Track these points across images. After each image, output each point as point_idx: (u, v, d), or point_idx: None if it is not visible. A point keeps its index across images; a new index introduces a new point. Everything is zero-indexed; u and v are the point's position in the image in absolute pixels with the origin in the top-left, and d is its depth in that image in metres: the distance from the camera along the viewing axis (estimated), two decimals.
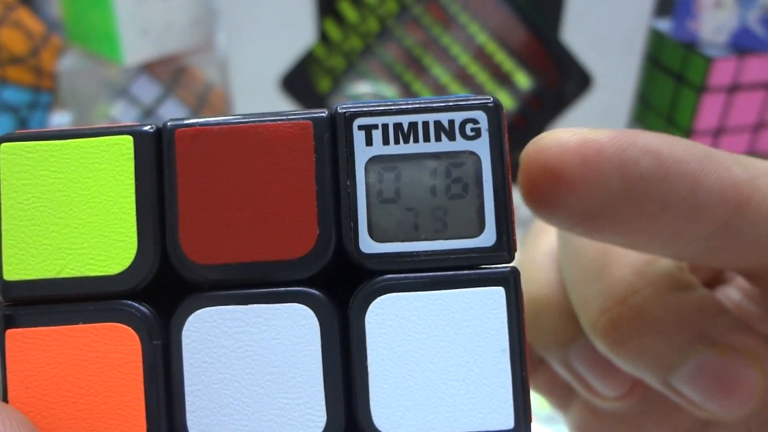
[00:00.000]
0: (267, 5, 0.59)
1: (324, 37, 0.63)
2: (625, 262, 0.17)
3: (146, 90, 0.69)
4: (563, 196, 0.14)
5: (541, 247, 0.21)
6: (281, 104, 0.63)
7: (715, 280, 0.20)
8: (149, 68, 0.68)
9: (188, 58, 0.70)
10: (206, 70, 0.72)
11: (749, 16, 0.63)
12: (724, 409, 0.16)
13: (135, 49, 0.64)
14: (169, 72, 0.70)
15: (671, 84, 0.67)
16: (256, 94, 0.63)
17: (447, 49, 0.66)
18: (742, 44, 0.63)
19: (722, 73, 0.63)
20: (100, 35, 0.65)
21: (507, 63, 0.67)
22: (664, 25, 0.68)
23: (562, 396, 0.22)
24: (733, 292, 0.19)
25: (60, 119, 0.75)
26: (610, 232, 0.15)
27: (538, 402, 0.42)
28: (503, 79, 0.67)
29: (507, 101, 0.68)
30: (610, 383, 0.19)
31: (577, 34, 0.63)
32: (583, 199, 0.14)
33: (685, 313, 0.16)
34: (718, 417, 0.16)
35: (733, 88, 0.64)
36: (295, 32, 0.61)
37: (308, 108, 0.58)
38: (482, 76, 0.67)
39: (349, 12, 0.63)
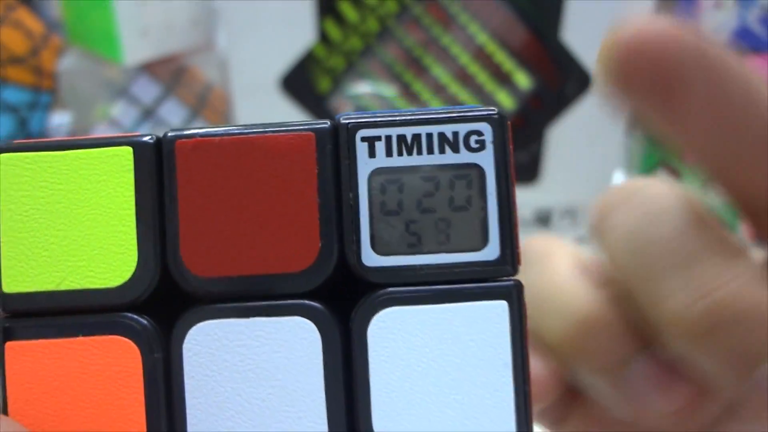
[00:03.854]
0: (267, 5, 0.59)
1: (324, 37, 0.63)
2: (715, 251, 0.17)
3: (146, 90, 0.69)
4: (643, 53, 0.16)
5: (558, 269, 0.19)
6: (281, 104, 0.63)
7: None
8: (149, 68, 0.68)
9: (188, 58, 0.70)
10: (206, 70, 0.72)
11: (749, 16, 0.63)
12: None
13: (135, 49, 0.64)
14: (169, 72, 0.70)
15: None
16: (256, 94, 0.63)
17: (447, 49, 0.66)
18: (742, 44, 0.63)
19: None
20: (100, 35, 0.65)
21: (507, 63, 0.67)
22: None
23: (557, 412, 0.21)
24: None
25: (60, 119, 0.75)
26: (677, 111, 0.15)
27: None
28: (503, 79, 0.67)
29: (507, 101, 0.68)
30: (671, 396, 0.18)
31: (577, 34, 0.63)
32: (664, 61, 0.15)
33: None
34: None
35: None
36: (295, 32, 0.61)
37: (308, 108, 0.58)
38: (482, 76, 0.67)
39: (349, 12, 0.63)
